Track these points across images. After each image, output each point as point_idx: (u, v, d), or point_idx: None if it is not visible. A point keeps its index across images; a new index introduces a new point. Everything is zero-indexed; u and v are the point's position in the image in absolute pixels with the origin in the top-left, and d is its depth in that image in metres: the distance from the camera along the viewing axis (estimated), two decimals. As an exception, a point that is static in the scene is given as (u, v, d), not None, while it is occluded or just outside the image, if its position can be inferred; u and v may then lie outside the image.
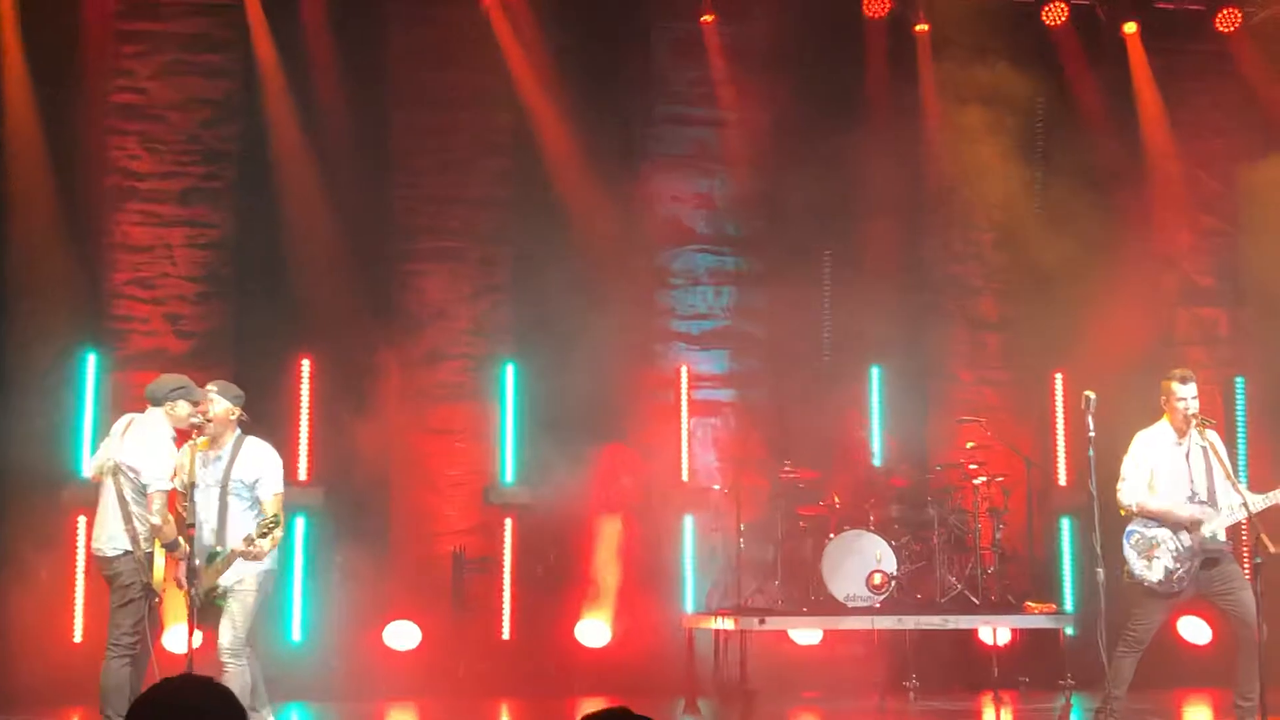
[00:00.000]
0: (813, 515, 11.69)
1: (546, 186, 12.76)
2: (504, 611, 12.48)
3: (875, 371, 13.20)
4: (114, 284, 12.27)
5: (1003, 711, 11.15)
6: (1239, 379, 13.54)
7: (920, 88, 13.39)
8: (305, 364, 12.33)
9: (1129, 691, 8.58)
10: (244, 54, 12.40)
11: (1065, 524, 13.11)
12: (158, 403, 8.14)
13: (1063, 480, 13.19)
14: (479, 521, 12.68)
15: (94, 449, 9.31)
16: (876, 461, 12.54)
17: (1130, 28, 13.57)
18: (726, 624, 11.14)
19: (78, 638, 11.42)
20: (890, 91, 13.32)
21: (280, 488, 8.11)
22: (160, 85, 12.39)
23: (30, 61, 11.95)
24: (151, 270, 12.31)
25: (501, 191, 13.00)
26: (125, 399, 11.10)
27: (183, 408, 8.11)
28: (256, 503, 8.03)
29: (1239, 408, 13.44)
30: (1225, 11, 13.41)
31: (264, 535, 7.71)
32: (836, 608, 11.19)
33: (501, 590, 12.52)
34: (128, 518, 7.94)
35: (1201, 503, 8.52)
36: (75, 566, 11.52)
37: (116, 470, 8.01)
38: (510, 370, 12.75)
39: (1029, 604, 11.64)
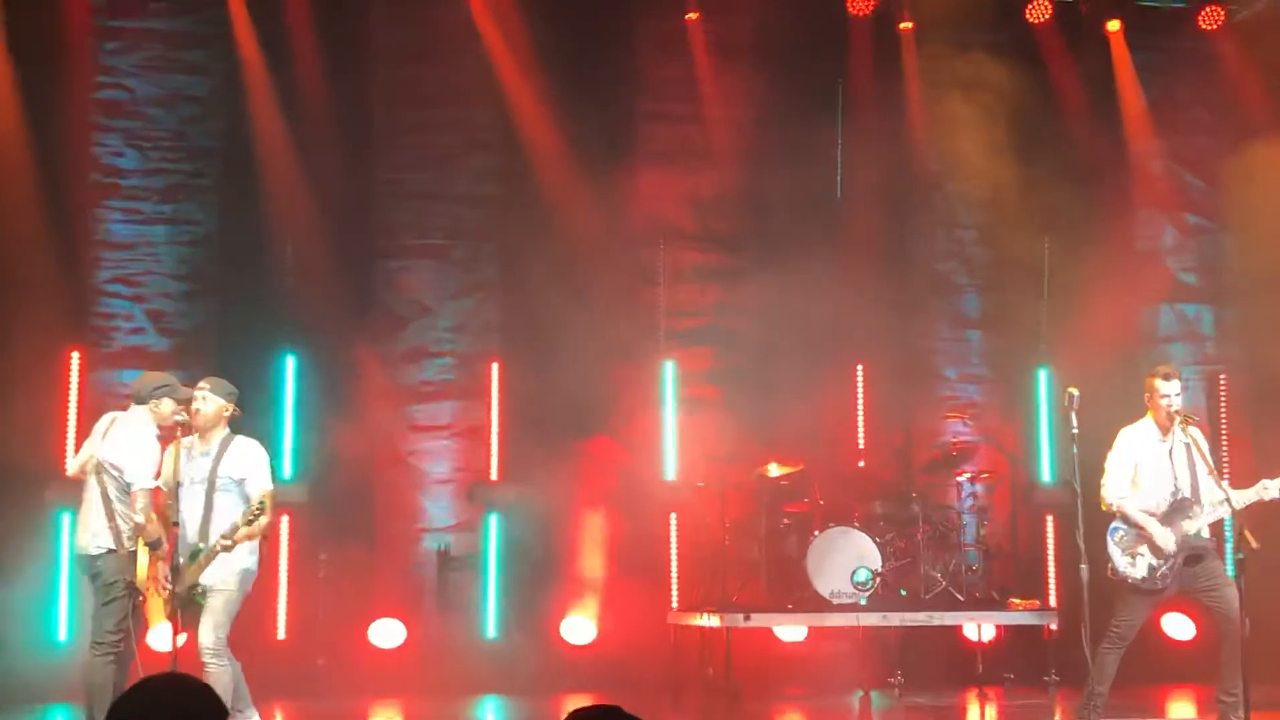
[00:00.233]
0: (797, 512, 11.71)
1: (531, 183, 12.73)
2: (489, 609, 12.48)
3: (860, 368, 13.21)
4: (97, 281, 12.23)
5: (987, 707, 11.17)
6: (1222, 375, 13.58)
7: (904, 84, 13.41)
8: (289, 361, 12.29)
9: (1112, 687, 8.61)
10: (227, 51, 12.35)
11: (1049, 520, 13.12)
12: (142, 401, 8.13)
13: (1046, 477, 13.21)
14: (464, 519, 12.68)
15: (78, 447, 9.28)
16: (861, 459, 12.54)
17: (1114, 25, 13.60)
18: (712, 621, 11.15)
19: (61, 636, 11.39)
20: (874, 88, 13.34)
21: (270, 485, 8.10)
22: (143, 82, 12.38)
23: (12, 58, 11.89)
24: (135, 268, 12.29)
25: (485, 188, 12.99)
26: (109, 397, 11.08)
27: (167, 406, 8.10)
28: (244, 499, 8.01)
29: (1222, 404, 13.48)
30: (1208, 9, 13.45)
31: (249, 523, 7.72)
32: (821, 604, 11.22)
33: (487, 588, 12.51)
34: (111, 516, 7.92)
35: (1185, 499, 8.54)
36: (59, 565, 11.48)
37: (100, 468, 7.99)
38: (495, 367, 12.73)
39: (1013, 600, 11.67)
